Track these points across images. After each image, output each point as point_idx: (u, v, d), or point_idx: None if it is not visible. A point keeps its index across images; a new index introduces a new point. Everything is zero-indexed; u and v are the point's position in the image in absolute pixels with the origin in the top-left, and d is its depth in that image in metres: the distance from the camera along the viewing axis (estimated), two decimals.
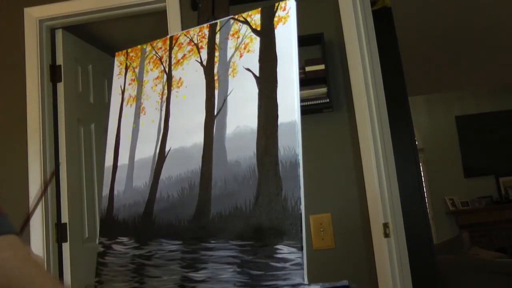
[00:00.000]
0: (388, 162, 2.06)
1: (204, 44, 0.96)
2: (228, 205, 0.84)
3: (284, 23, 0.86)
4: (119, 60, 1.11)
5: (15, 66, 2.40)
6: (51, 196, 2.36)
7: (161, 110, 0.99)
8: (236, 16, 0.94)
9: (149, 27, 2.79)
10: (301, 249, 0.75)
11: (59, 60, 2.58)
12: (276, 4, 0.88)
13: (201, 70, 0.95)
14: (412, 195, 2.42)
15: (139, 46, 1.09)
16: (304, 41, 2.09)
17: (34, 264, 0.57)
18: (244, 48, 0.91)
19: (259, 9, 0.91)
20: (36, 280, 0.56)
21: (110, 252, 0.99)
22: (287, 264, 0.75)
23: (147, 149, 0.98)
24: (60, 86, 2.56)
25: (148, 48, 1.06)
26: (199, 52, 0.97)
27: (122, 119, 1.05)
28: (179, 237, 0.88)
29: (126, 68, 1.09)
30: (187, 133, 0.93)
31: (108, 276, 0.97)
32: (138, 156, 1.00)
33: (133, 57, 1.09)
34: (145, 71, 1.05)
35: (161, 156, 0.95)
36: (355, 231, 1.99)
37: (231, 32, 0.93)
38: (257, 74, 0.87)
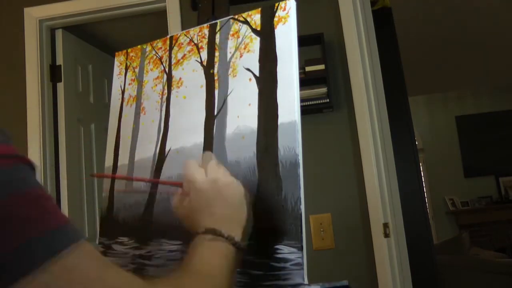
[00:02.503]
0: (388, 162, 2.06)
1: (204, 44, 0.96)
2: None
3: (284, 23, 0.86)
4: (119, 60, 1.11)
5: (15, 66, 2.40)
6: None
7: (161, 110, 0.99)
8: (236, 16, 0.94)
9: (149, 27, 2.79)
10: (301, 249, 0.75)
11: (59, 60, 2.58)
12: (276, 4, 0.88)
13: (201, 70, 0.95)
14: (412, 195, 2.42)
15: (139, 46, 1.09)
16: (304, 41, 2.09)
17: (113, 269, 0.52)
18: (244, 48, 0.90)
19: (259, 9, 0.91)
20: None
21: (110, 252, 0.99)
22: (287, 264, 0.75)
23: (147, 149, 0.98)
24: (60, 86, 2.56)
25: (148, 48, 1.06)
26: (199, 52, 0.97)
27: (122, 119, 1.05)
28: (179, 237, 0.88)
29: (126, 68, 1.09)
30: (187, 133, 0.93)
31: None
32: (138, 156, 0.99)
33: (133, 57, 1.09)
34: (145, 71, 1.05)
35: (161, 156, 0.95)
36: (355, 231, 1.99)
37: (231, 32, 0.93)
38: (257, 74, 0.87)
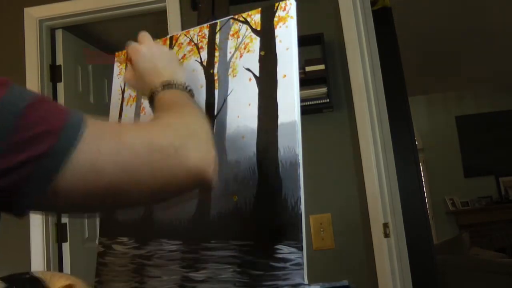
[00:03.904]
0: (388, 162, 2.06)
1: (204, 44, 0.96)
2: (228, 205, 0.84)
3: (284, 23, 0.86)
4: (119, 60, 1.11)
5: (15, 66, 2.40)
6: None
7: None
8: (236, 16, 0.94)
9: (149, 27, 2.78)
10: (301, 249, 0.75)
11: (59, 60, 2.58)
12: (276, 4, 0.88)
13: (201, 70, 0.95)
14: (412, 195, 2.42)
15: None
16: (304, 41, 2.09)
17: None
18: (244, 48, 0.90)
19: (259, 9, 0.91)
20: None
21: (110, 252, 0.99)
22: (287, 264, 0.75)
23: None
24: (60, 86, 2.56)
25: None
26: (199, 52, 0.97)
27: (122, 119, 1.05)
28: (179, 237, 0.88)
29: (126, 68, 1.09)
30: None
31: (108, 276, 0.97)
32: None
33: None
34: None
35: None
36: (355, 231, 1.99)
37: (231, 32, 0.93)
38: (257, 74, 0.87)
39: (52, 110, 0.50)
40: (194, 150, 0.57)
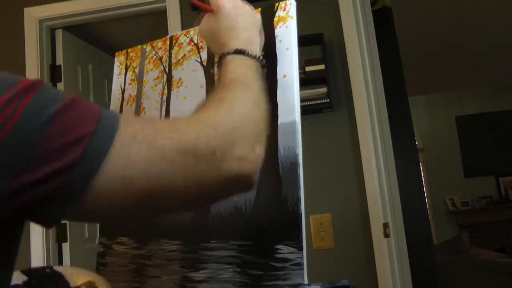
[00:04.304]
0: (388, 162, 2.06)
1: (204, 44, 0.96)
2: (228, 205, 0.84)
3: (284, 23, 0.86)
4: (119, 60, 1.11)
5: (15, 66, 2.40)
6: None
7: (161, 110, 0.99)
8: None
9: (149, 27, 2.79)
10: (301, 249, 0.75)
11: (59, 60, 2.58)
12: (276, 4, 0.88)
13: (201, 70, 0.95)
14: (412, 195, 2.41)
15: (139, 46, 1.09)
16: (304, 41, 2.09)
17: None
18: None
19: (259, 9, 0.91)
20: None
21: (110, 252, 0.99)
22: (287, 264, 0.75)
23: None
24: (60, 86, 2.56)
25: (148, 48, 1.06)
26: (199, 52, 0.97)
27: None
28: (179, 237, 0.88)
29: (126, 68, 1.09)
30: None
31: (108, 276, 0.97)
32: None
33: (133, 57, 1.09)
34: (145, 71, 1.05)
35: None
36: (355, 231, 1.99)
37: None
38: None
39: (81, 114, 0.47)
40: (237, 151, 0.53)
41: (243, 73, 0.68)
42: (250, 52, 0.71)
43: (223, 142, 0.52)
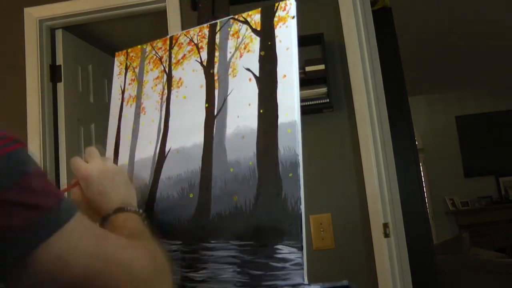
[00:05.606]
0: (388, 162, 2.06)
1: (204, 44, 0.96)
2: (228, 205, 0.84)
3: (284, 23, 0.86)
4: (119, 60, 1.11)
5: (15, 66, 2.40)
6: None
7: (161, 110, 0.99)
8: (236, 16, 0.94)
9: (149, 27, 2.79)
10: (301, 249, 0.75)
11: (59, 60, 2.58)
12: (276, 4, 0.88)
13: (201, 70, 0.95)
14: (412, 195, 2.41)
15: (139, 46, 1.09)
16: (304, 41, 2.09)
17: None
18: (244, 48, 0.90)
19: (259, 9, 0.91)
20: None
21: None
22: (287, 264, 0.75)
23: (147, 149, 0.98)
24: (60, 86, 2.56)
25: (148, 48, 1.06)
26: (199, 52, 0.97)
27: (122, 119, 1.05)
28: (179, 237, 0.88)
29: (126, 68, 1.09)
30: (187, 133, 0.93)
31: None
32: (138, 156, 0.99)
33: (133, 57, 1.09)
34: (145, 71, 1.05)
35: (161, 156, 0.95)
36: (355, 231, 1.99)
37: (231, 32, 0.93)
38: (257, 74, 0.87)
39: (47, 186, 0.50)
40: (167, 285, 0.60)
41: (132, 224, 0.72)
42: (129, 208, 0.75)
43: (157, 275, 0.58)
